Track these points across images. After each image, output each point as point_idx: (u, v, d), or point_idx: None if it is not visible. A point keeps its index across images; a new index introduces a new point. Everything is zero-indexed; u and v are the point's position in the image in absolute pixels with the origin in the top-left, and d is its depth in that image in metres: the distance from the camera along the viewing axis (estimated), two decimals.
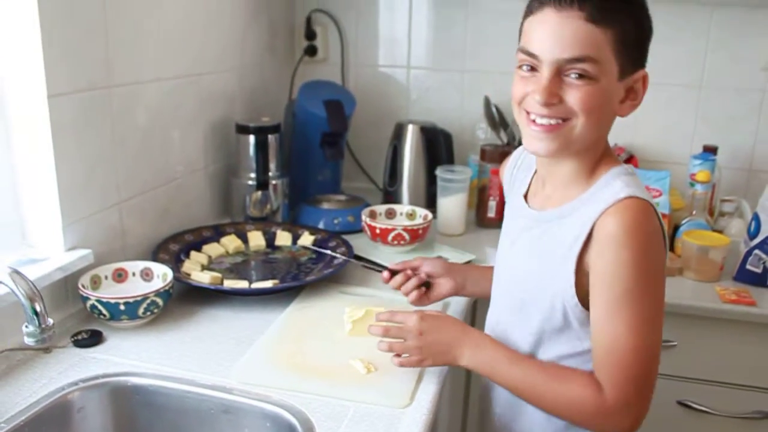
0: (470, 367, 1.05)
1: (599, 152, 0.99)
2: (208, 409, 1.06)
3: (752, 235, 1.60)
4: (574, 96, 0.91)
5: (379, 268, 1.31)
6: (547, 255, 0.99)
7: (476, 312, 1.60)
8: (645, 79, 0.96)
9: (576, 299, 0.96)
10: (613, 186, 0.94)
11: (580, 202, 0.97)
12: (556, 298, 0.98)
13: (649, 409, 0.94)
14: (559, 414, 0.99)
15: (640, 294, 0.90)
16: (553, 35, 0.90)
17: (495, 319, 1.14)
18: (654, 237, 0.92)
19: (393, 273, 1.27)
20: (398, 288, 1.26)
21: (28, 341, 0.88)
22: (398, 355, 1.07)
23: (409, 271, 1.26)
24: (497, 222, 1.90)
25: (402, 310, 1.13)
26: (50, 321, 0.89)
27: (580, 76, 0.90)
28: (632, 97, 0.96)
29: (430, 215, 1.69)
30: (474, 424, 1.71)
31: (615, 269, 0.91)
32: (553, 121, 0.93)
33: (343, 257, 1.38)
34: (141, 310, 1.20)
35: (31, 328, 0.88)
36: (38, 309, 0.86)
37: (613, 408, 0.92)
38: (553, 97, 0.91)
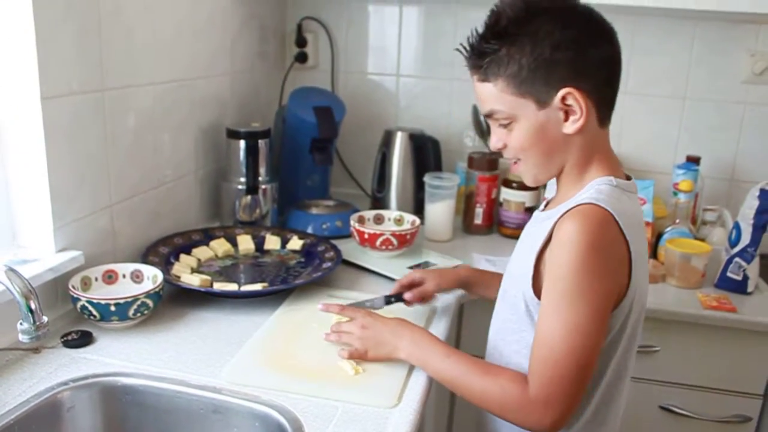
0: (407, 360, 1.11)
1: (584, 164, 1.02)
2: (198, 409, 1.07)
3: (733, 244, 1.64)
4: (508, 139, 1.03)
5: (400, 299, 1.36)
6: (526, 249, 1.05)
7: (462, 314, 1.62)
8: (570, 95, 0.96)
9: (532, 292, 1.01)
10: (587, 193, 0.98)
11: (564, 206, 1.00)
12: (520, 289, 1.04)
13: (571, 415, 0.95)
14: (485, 406, 1.02)
15: (577, 299, 0.92)
16: (476, 96, 1.04)
17: (495, 307, 1.17)
18: (602, 246, 0.93)
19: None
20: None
21: (23, 338, 0.89)
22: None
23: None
24: (484, 229, 1.94)
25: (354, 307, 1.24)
26: (45, 318, 0.90)
27: (502, 125, 1.02)
28: (571, 114, 0.97)
29: (418, 221, 1.71)
30: (460, 424, 1.73)
31: (559, 270, 0.94)
32: (513, 160, 1.06)
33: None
34: (131, 312, 1.21)
35: (25, 326, 0.88)
36: (33, 306, 0.87)
37: (534, 404, 0.94)
38: (498, 143, 1.05)
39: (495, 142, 1.05)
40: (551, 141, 1.00)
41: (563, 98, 0.96)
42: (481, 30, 0.99)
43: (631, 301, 0.98)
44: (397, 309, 1.33)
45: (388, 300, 1.34)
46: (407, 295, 1.33)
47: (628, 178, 1.06)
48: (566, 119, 0.98)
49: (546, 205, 1.14)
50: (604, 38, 0.98)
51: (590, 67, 0.97)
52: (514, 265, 1.11)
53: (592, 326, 0.93)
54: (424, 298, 1.35)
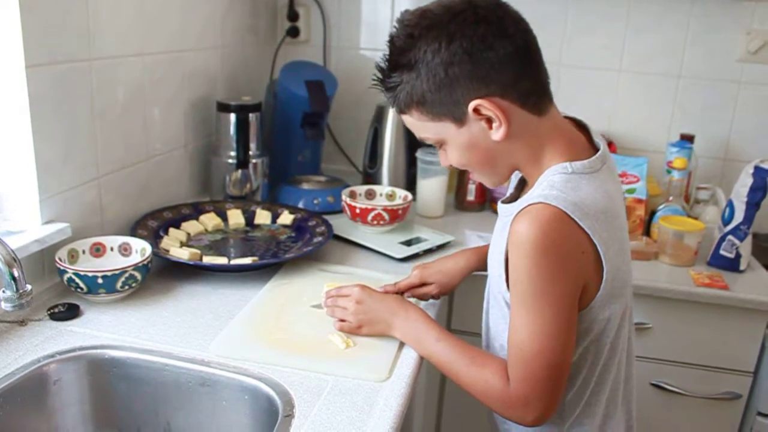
0: (400, 338, 1.12)
1: (536, 156, 0.98)
2: (186, 382, 1.06)
3: (726, 222, 1.63)
4: (451, 159, 1.02)
5: None
6: (496, 248, 1.04)
7: (453, 301, 1.62)
8: (480, 106, 0.92)
9: (507, 292, 0.99)
10: (540, 187, 0.94)
11: (521, 202, 0.96)
12: (498, 288, 1.03)
13: (553, 409, 0.95)
14: (471, 394, 1.02)
15: (536, 302, 0.91)
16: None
17: (486, 296, 1.16)
18: (554, 247, 0.90)
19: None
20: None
21: (6, 306, 0.87)
22: (341, 321, 1.16)
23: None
24: (477, 205, 1.93)
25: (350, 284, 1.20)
26: (28, 287, 0.88)
27: (438, 147, 1.03)
28: (493, 122, 0.94)
29: (410, 196, 1.70)
30: (451, 398, 1.73)
31: (516, 273, 0.93)
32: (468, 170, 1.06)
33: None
34: (119, 284, 1.19)
35: (8, 294, 0.87)
36: (16, 274, 0.86)
37: (514, 400, 0.95)
38: (446, 162, 1.04)
39: (443, 161, 1.05)
40: (487, 151, 0.98)
41: (476, 110, 0.93)
42: (383, 63, 0.98)
43: (611, 288, 0.96)
44: None
45: None
46: (406, 295, 1.29)
47: (595, 147, 1.01)
48: (490, 127, 0.95)
49: (516, 191, 1.11)
50: (497, 36, 0.91)
51: (492, 71, 0.91)
52: (490, 262, 1.09)
53: (555, 327, 0.91)
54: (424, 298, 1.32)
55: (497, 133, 0.94)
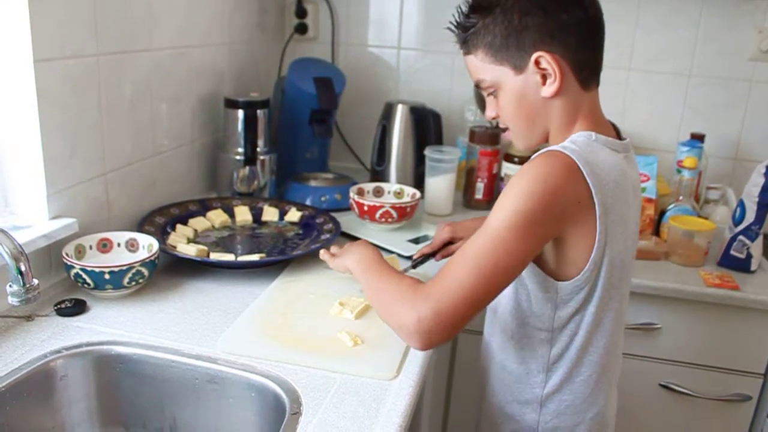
0: (349, 267, 1.17)
1: (568, 126, 1.04)
2: (193, 378, 1.05)
3: (737, 222, 1.62)
4: (498, 109, 1.07)
5: (426, 259, 1.38)
6: None
7: None
8: (542, 58, 0.98)
9: None
10: (562, 143, 1.00)
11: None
12: None
13: (446, 329, 0.94)
14: (384, 298, 1.03)
15: (504, 219, 0.93)
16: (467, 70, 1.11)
17: None
18: (553, 178, 0.94)
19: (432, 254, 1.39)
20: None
21: (12, 301, 0.87)
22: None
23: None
24: (485, 204, 1.91)
25: None
26: (35, 281, 0.87)
27: (490, 94, 1.07)
28: (547, 77, 0.99)
29: (418, 194, 1.69)
30: (458, 397, 1.72)
31: (504, 191, 0.97)
32: (505, 126, 1.10)
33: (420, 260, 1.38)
34: (126, 280, 1.19)
35: (15, 288, 0.86)
36: (23, 269, 0.85)
37: (420, 292, 0.96)
38: (492, 112, 1.09)
39: (489, 112, 1.10)
40: (532, 106, 1.03)
41: (536, 62, 0.98)
42: (464, 7, 1.05)
43: (602, 254, 0.98)
44: None
45: (415, 264, 1.35)
46: (437, 255, 1.37)
47: (622, 139, 1.07)
48: (544, 83, 1.00)
49: None
50: (573, 2, 0.99)
51: (561, 30, 0.98)
52: None
53: (512, 242, 0.93)
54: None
55: (548, 89, 1.00)
